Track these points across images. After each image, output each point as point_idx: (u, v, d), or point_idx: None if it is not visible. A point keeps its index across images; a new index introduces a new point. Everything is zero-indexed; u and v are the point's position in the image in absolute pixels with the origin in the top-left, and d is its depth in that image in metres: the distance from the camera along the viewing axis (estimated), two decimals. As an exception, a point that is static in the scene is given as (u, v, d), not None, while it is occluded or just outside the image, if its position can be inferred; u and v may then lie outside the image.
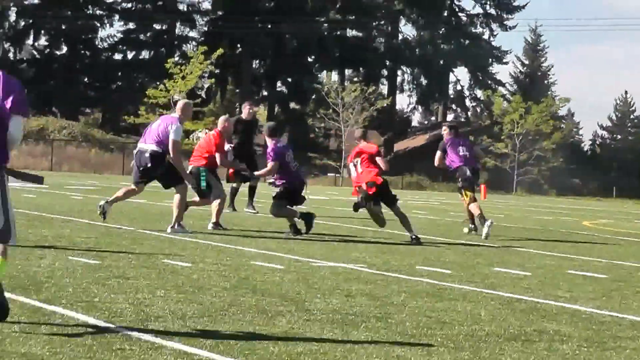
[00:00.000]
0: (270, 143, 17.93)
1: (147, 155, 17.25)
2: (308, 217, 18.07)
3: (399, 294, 10.75)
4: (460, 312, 9.73)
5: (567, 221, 32.26)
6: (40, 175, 7.83)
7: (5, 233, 7.51)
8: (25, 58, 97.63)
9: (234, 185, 23.74)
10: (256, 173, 20.17)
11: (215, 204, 18.40)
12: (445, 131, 22.17)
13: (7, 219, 7.50)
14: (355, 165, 18.64)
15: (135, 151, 17.82)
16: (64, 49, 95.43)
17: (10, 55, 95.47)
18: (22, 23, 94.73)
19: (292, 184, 17.92)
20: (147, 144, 17.34)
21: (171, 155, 17.29)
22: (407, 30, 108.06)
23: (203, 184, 18.71)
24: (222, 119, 19.99)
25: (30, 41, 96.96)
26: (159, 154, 17.23)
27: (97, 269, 11.38)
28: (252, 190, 24.19)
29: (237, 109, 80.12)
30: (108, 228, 17.21)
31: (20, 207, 21.42)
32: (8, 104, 7.31)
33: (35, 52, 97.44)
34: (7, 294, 9.07)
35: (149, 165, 17.24)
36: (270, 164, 17.82)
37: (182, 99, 20.35)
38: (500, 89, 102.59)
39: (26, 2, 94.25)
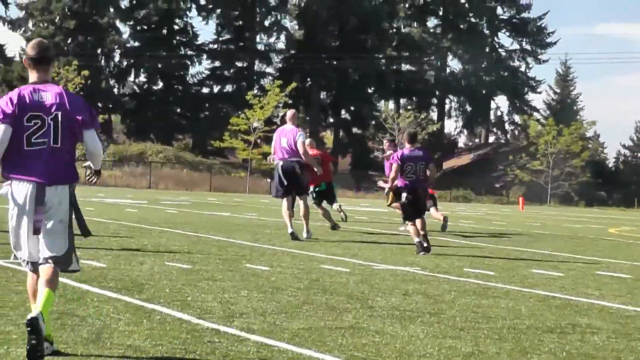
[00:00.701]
0: (405, 147, 16.50)
1: (292, 165, 18.20)
2: (425, 240, 15.98)
3: (450, 293, 10.68)
4: (503, 308, 9.64)
5: (594, 229, 31.88)
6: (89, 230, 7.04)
7: (65, 260, 6.65)
8: (127, 92, 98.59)
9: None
10: (388, 185, 17.88)
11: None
12: (386, 144, 22.82)
13: (70, 248, 6.69)
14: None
15: (278, 167, 18.47)
16: (160, 84, 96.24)
17: (115, 90, 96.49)
18: (125, 62, 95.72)
19: (405, 202, 16.43)
20: (288, 159, 18.24)
21: (301, 152, 18.12)
22: (454, 64, 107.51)
23: (317, 197, 20.90)
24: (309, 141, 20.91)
25: (131, 78, 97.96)
26: (301, 162, 18.23)
27: (189, 272, 11.42)
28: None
29: (307, 133, 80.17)
30: (198, 237, 17.29)
31: (123, 219, 21.63)
32: (79, 121, 6.66)
33: (135, 87, 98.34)
34: (114, 294, 9.15)
35: (298, 172, 18.24)
36: (394, 167, 16.42)
37: (290, 109, 20.60)
38: (535, 114, 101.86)
39: (128, 45, 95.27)
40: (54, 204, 6.57)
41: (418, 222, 16.17)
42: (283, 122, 20.12)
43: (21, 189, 6.53)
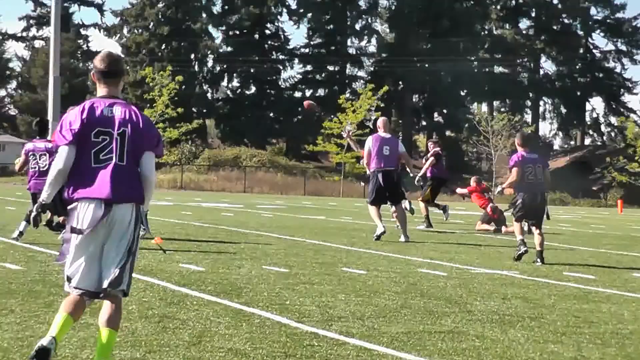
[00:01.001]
0: (520, 151, 15.77)
1: (393, 174, 18.81)
2: (540, 256, 15.14)
3: (549, 297, 10.55)
4: (605, 313, 9.48)
5: (696, 231, 31.17)
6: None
7: (117, 280, 6.04)
8: (220, 97, 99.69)
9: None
10: (504, 185, 16.03)
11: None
12: (431, 145, 26.15)
13: (123, 269, 6.07)
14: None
15: (379, 175, 18.78)
16: (253, 89, 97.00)
17: (209, 95, 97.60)
18: (218, 68, 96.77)
19: (523, 201, 15.36)
20: (389, 168, 18.78)
21: (406, 161, 19.46)
22: (547, 65, 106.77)
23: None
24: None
25: (225, 83, 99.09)
26: (399, 171, 19.16)
27: (287, 276, 11.47)
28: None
29: (400, 137, 80.00)
30: (294, 241, 17.36)
31: (220, 224, 21.84)
32: (147, 140, 6.23)
33: (229, 92, 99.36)
34: (213, 298, 9.23)
35: (397, 181, 19.00)
36: (513, 171, 15.48)
37: (380, 117, 20.66)
38: (632, 115, 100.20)
39: (221, 50, 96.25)
40: (117, 222, 6.05)
41: (536, 237, 15.21)
42: (375, 128, 20.09)
43: (87, 213, 6.03)
